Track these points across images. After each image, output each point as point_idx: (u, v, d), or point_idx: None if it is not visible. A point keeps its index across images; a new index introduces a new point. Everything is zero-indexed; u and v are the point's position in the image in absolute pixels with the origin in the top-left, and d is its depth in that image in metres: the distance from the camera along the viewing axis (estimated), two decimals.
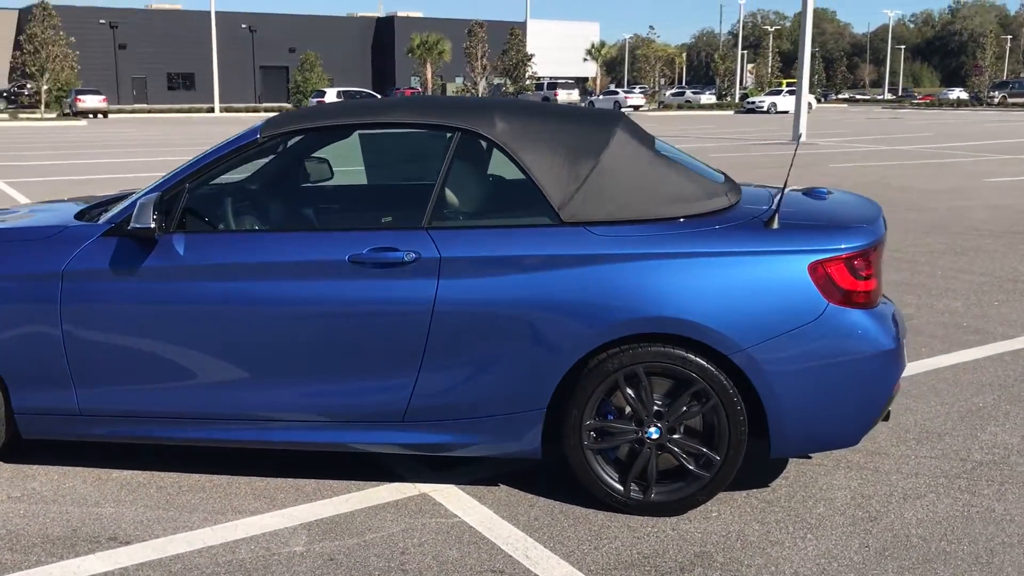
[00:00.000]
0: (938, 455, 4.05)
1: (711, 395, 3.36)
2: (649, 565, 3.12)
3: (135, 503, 3.55)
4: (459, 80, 57.29)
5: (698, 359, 3.33)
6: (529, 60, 59.65)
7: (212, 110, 56.86)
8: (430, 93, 60.49)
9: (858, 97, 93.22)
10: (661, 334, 3.35)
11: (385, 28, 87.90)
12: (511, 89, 59.25)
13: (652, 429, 3.43)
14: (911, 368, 5.24)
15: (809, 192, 4.06)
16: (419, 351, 3.42)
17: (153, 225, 3.39)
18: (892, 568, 3.09)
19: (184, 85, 79.10)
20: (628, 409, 3.43)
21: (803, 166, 18.68)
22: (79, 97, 47.24)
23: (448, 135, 3.59)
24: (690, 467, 3.44)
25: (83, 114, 46.93)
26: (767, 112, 55.54)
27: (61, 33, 47.60)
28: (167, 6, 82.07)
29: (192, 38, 75.55)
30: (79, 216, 3.88)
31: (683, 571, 3.08)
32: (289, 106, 59.50)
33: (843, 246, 3.38)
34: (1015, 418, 4.50)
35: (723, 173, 4.03)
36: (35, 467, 3.88)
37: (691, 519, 3.45)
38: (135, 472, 3.83)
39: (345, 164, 4.53)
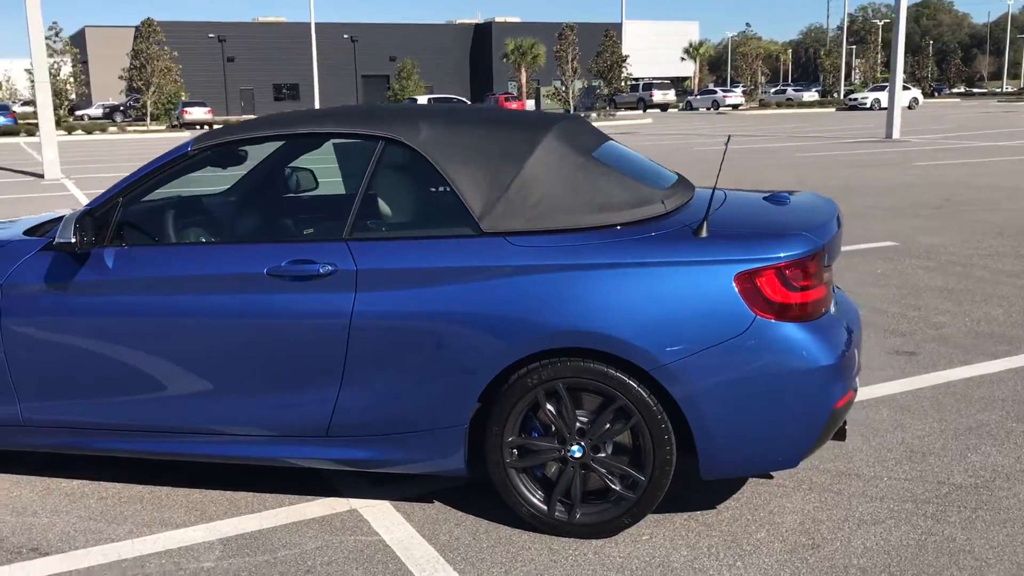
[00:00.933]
0: (915, 477, 3.77)
1: (633, 412, 3.20)
2: None
3: (71, 513, 3.60)
4: (556, 83, 57.21)
5: (619, 375, 3.17)
6: (624, 61, 59.14)
7: None
8: (524, 97, 60.67)
9: (973, 91, 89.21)
10: (580, 348, 3.21)
11: (483, 34, 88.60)
12: (605, 91, 58.90)
13: (575, 447, 3.28)
14: (917, 381, 4.92)
15: (770, 197, 3.84)
16: (339, 365, 3.36)
17: (74, 240, 3.43)
18: None
19: (289, 95, 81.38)
20: (552, 426, 3.30)
21: (884, 165, 17.95)
22: (186, 109, 49.06)
23: (372, 144, 3.52)
24: (615, 488, 3.28)
25: (190, 126, 48.74)
26: (870, 109, 53.64)
27: (166, 48, 49.59)
28: (272, 19, 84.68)
29: (296, 49, 77.59)
30: (30, 232, 3.97)
31: None
32: None
33: (773, 255, 3.17)
34: (1016, 437, 4.16)
35: (678, 175, 3.86)
36: None
37: (618, 542, 3.29)
38: (84, 482, 3.89)
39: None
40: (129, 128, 47.00)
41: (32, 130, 42.63)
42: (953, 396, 4.70)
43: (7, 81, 62.26)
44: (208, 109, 49.82)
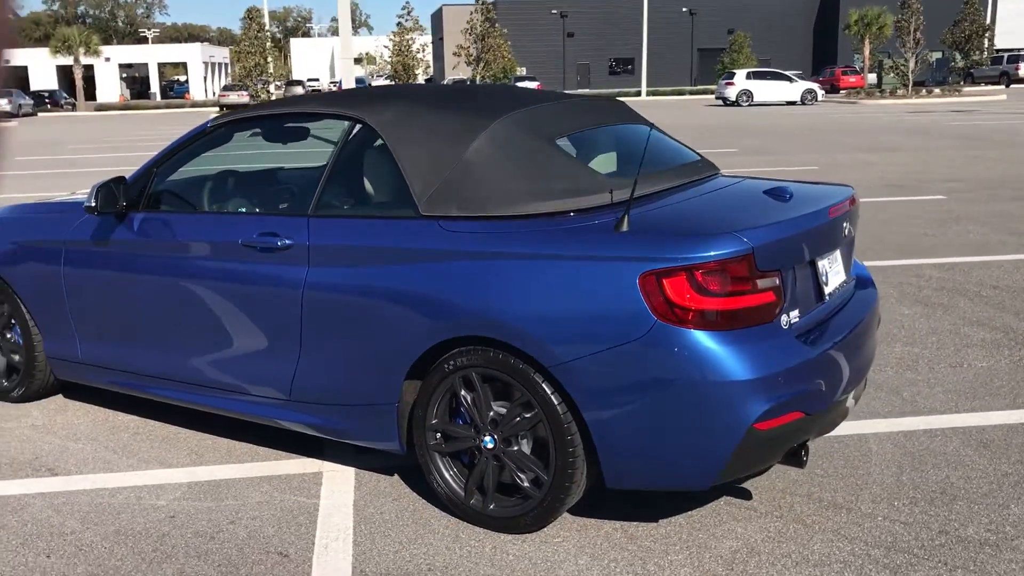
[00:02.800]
0: (916, 522, 3.25)
1: (537, 409, 3.08)
2: None
3: (103, 444, 4.12)
4: (894, 56, 52.86)
5: (524, 368, 3.07)
6: (985, 32, 53.35)
7: (639, 93, 58.67)
8: (866, 71, 56.68)
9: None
10: (490, 338, 3.13)
11: (829, 4, 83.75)
12: (960, 64, 53.51)
13: (487, 438, 3.22)
14: (992, 416, 4.18)
15: (773, 189, 3.46)
16: (297, 333, 3.55)
17: (93, 204, 3.89)
18: None
19: (624, 70, 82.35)
20: (469, 415, 3.26)
21: None
22: (518, 84, 51.52)
23: (343, 124, 3.64)
24: (523, 484, 3.18)
25: None
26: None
27: (496, 25, 52.15)
28: None
29: (633, 24, 78.21)
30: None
31: None
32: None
33: (684, 256, 2.88)
34: None
35: (700, 162, 3.71)
36: (73, 403, 4.63)
37: (523, 540, 3.19)
38: (133, 418, 4.42)
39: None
40: None
41: None
42: (1010, 439, 3.95)
43: (380, 56, 67.90)
44: (538, 84, 51.91)
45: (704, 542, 3.16)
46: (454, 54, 54.15)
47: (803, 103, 40.56)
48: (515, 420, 3.15)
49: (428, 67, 55.94)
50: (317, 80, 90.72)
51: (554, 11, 79.87)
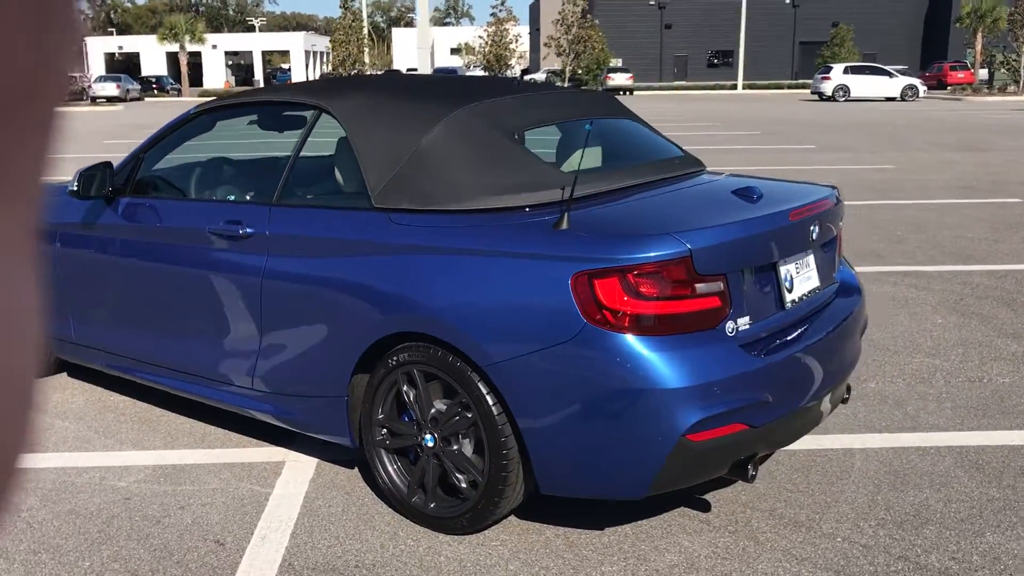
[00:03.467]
0: (877, 546, 3.07)
1: (472, 409, 3.01)
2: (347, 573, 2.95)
3: (87, 423, 4.21)
4: (1003, 51, 50.44)
5: (461, 366, 3.00)
6: None
7: (735, 87, 57.52)
8: (977, 67, 54.32)
9: None
10: (430, 335, 3.07)
11: None
12: None
13: (428, 436, 3.17)
14: (969, 437, 3.91)
15: (742, 188, 3.30)
16: (257, 321, 3.55)
17: (75, 188, 3.97)
18: None
19: (723, 62, 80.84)
20: (412, 412, 3.21)
21: None
22: (608, 75, 51.06)
23: (310, 114, 3.62)
24: (460, 485, 3.12)
25: (613, 91, 50.64)
26: None
27: (589, 16, 51.77)
28: None
29: (734, 16, 76.69)
30: None
31: None
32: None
33: (617, 256, 2.77)
34: None
35: (683, 159, 3.60)
36: (74, 383, 4.75)
37: (460, 542, 3.12)
38: (124, 399, 4.50)
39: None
40: None
41: None
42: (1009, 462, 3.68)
43: (513, 43, 66.99)
44: (629, 75, 51.34)
45: (644, 554, 3.04)
46: (544, 45, 54.03)
47: (903, 99, 39.08)
48: (453, 419, 3.09)
49: (520, 57, 55.88)
50: (415, 70, 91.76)
51: (652, 2, 78.88)
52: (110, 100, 46.70)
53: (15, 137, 0.37)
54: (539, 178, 3.16)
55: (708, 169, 3.95)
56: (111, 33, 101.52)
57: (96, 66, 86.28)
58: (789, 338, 3.09)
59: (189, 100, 52.69)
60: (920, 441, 3.90)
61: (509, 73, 52.05)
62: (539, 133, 3.63)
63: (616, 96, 4.06)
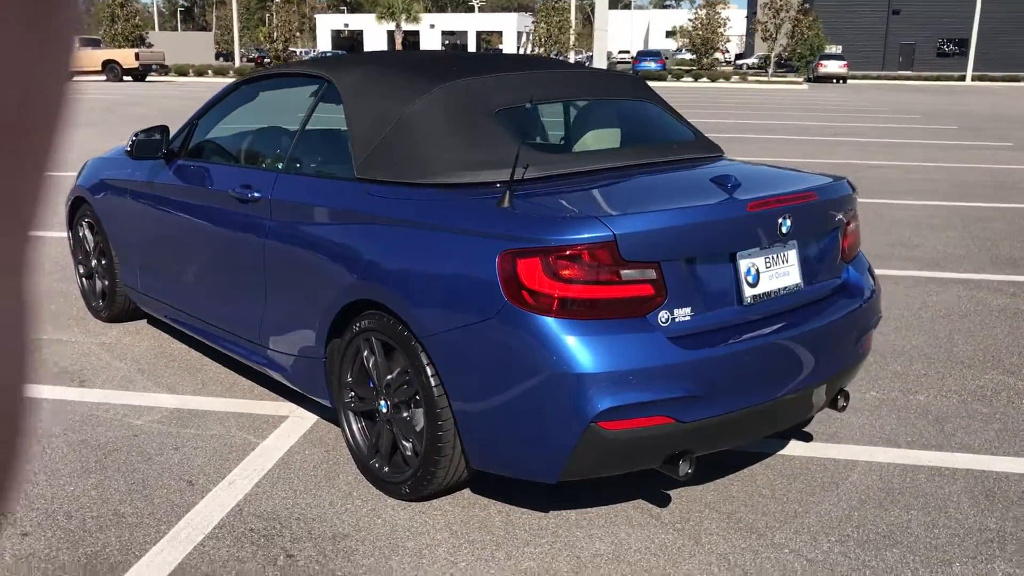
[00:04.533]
0: (810, 559, 2.89)
1: (414, 379, 3.07)
2: (275, 532, 3.09)
3: (138, 366, 4.58)
4: None
5: (408, 336, 3.07)
6: None
7: (963, 78, 53.55)
8: None
9: None
10: (381, 303, 3.15)
11: None
12: None
13: (382, 402, 3.25)
14: (997, 463, 3.53)
15: (718, 176, 3.16)
16: (261, 280, 3.76)
17: (129, 149, 4.31)
18: None
19: (956, 52, 75.34)
20: (371, 378, 3.31)
21: None
22: (821, 62, 48.81)
23: (317, 85, 3.77)
24: (406, 453, 3.19)
25: (824, 79, 48.41)
26: None
27: (806, 2, 49.57)
28: None
29: (968, 1, 71.31)
30: None
31: (267, 543, 3.00)
32: None
33: (540, 237, 2.73)
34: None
35: (699, 144, 3.56)
36: (149, 329, 5.16)
37: (406, 508, 3.20)
38: (182, 347, 4.85)
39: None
40: (751, 78, 48.30)
41: (681, 75, 46.32)
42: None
43: (722, 27, 65.22)
44: (843, 63, 48.86)
45: (575, 540, 3.01)
46: (752, 29, 52.30)
47: None
48: (401, 387, 3.16)
49: (728, 41, 54.36)
50: (627, 52, 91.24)
51: None
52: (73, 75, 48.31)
53: (5, 167, 0.39)
54: (505, 156, 3.15)
55: (726, 156, 3.79)
56: (342, 11, 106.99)
57: (323, 42, 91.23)
58: (744, 335, 2.94)
59: None
60: (938, 461, 3.60)
61: (720, 56, 50.74)
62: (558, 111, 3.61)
63: (646, 81, 3.96)
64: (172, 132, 4.48)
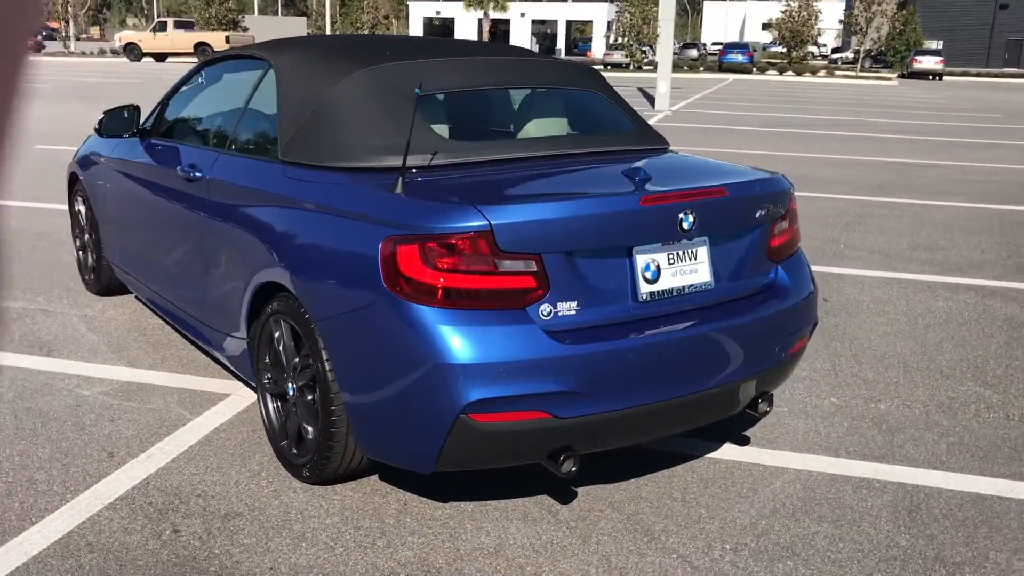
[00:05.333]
0: (699, 567, 2.80)
1: (312, 363, 3.07)
2: (172, 507, 3.14)
3: (109, 338, 4.69)
4: None
5: (309, 319, 3.07)
6: None
7: None
8: None
9: None
10: (286, 287, 3.16)
11: None
12: None
13: (290, 384, 3.27)
14: (934, 478, 3.34)
15: (629, 172, 3.07)
16: (200, 258, 3.81)
17: (97, 127, 4.41)
18: None
19: None
20: (281, 360, 3.33)
21: None
22: (916, 58, 47.17)
23: (262, 67, 3.79)
24: (307, 436, 3.20)
25: (919, 75, 46.76)
26: None
27: None
28: None
29: None
30: None
31: (182, 517, 3.05)
32: None
33: (416, 224, 2.70)
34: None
35: (646, 138, 3.48)
36: (135, 304, 5.29)
37: (307, 491, 3.21)
38: (158, 323, 4.96)
39: None
40: (839, 73, 46.81)
41: (766, 68, 45.39)
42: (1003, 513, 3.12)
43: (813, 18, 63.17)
44: (939, 59, 47.09)
45: (460, 533, 2.97)
46: (840, 21, 50.80)
47: None
48: (304, 370, 3.17)
49: (819, 35, 52.86)
50: (719, 45, 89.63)
51: None
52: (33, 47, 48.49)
53: None
54: (421, 143, 3.12)
55: (672, 149, 3.70)
56: None
57: (415, 28, 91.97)
58: (636, 332, 2.86)
59: None
60: (871, 472, 3.45)
61: (814, 50, 49.42)
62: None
63: (596, 70, 3.90)
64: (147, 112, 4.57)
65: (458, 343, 2.64)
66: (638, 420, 2.89)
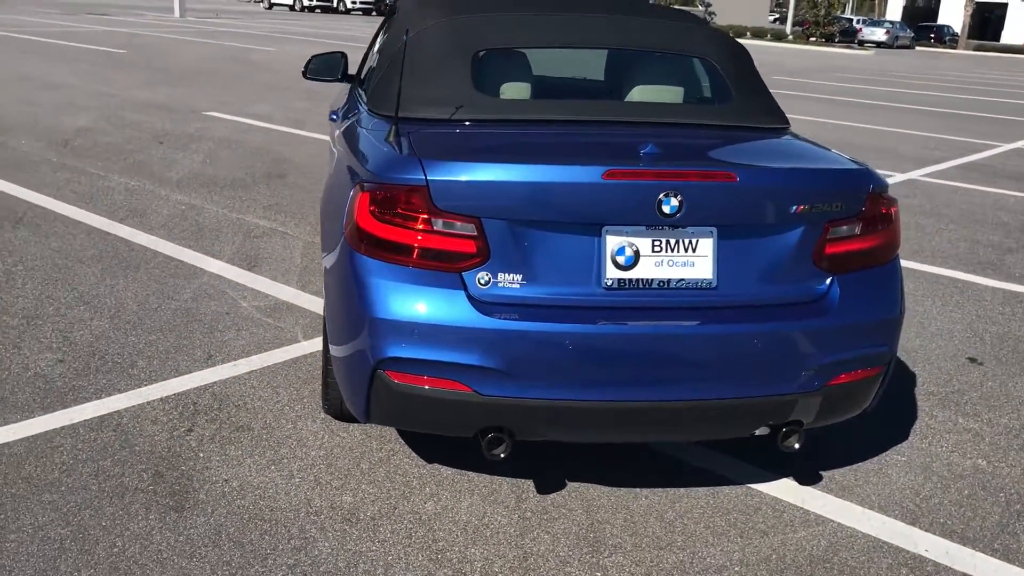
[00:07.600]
0: (537, 554, 2.49)
1: None
2: (206, 410, 3.45)
3: (316, 262, 5.18)
4: None
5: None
6: None
7: None
8: None
9: None
10: None
11: None
12: None
13: None
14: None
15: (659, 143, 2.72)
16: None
17: (303, 70, 4.78)
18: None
19: None
20: None
21: None
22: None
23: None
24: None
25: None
26: None
27: None
28: None
29: None
30: None
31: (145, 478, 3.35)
32: None
33: (372, 173, 2.67)
34: None
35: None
36: None
37: (325, 422, 3.35)
38: None
39: None
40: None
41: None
42: None
43: None
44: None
45: (409, 495, 2.92)
46: None
47: None
48: None
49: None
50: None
51: None
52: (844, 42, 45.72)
53: None
54: (462, 99, 3.03)
55: (790, 131, 3.21)
56: None
57: (893, 11, 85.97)
58: (591, 321, 2.55)
59: (958, 53, 49.99)
60: (943, 556, 2.75)
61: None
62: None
63: (710, 29, 3.50)
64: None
65: (382, 297, 2.58)
66: (589, 417, 2.60)
